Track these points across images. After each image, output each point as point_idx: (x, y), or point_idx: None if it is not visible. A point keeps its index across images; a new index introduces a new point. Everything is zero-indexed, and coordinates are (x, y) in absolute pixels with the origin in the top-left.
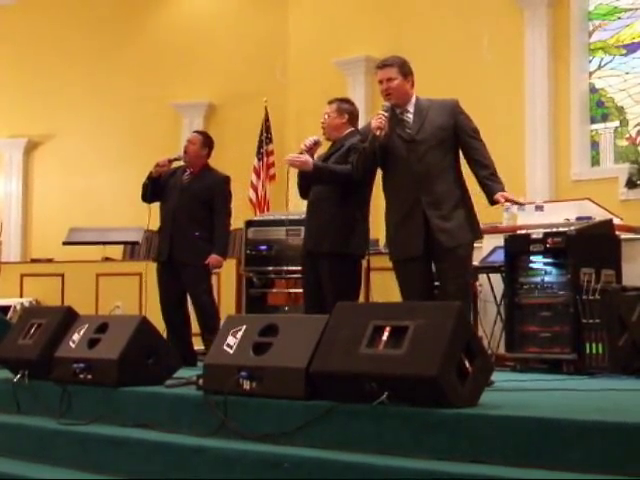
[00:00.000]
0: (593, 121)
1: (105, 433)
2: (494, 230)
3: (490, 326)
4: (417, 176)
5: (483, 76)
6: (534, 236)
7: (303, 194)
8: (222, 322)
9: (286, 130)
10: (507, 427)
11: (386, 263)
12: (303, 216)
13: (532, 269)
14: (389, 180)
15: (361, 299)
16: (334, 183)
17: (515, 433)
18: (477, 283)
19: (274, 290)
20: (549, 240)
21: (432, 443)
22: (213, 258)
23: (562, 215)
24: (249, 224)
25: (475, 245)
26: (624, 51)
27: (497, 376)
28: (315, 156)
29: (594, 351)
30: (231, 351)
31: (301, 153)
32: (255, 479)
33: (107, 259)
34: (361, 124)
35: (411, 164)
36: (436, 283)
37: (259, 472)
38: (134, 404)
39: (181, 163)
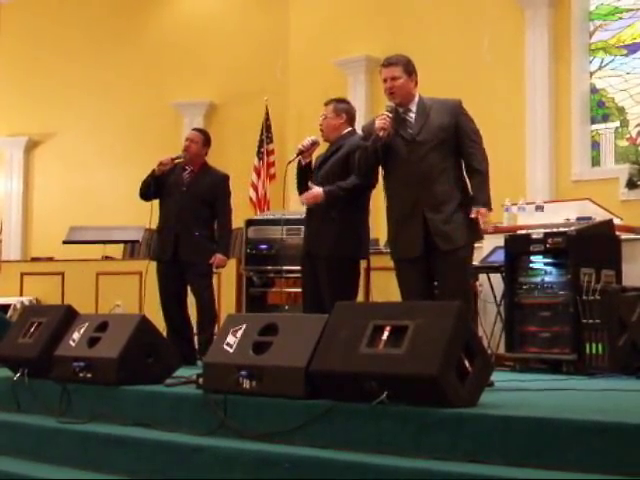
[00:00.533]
0: (594, 121)
1: (105, 432)
2: (494, 230)
3: (490, 326)
4: (417, 177)
5: (484, 76)
6: (534, 236)
7: (302, 194)
8: (222, 321)
9: (286, 129)
10: (507, 427)
11: (386, 263)
12: (303, 215)
13: (532, 269)
14: (390, 180)
15: (361, 299)
16: (350, 197)
17: (515, 433)
18: (477, 283)
19: (274, 289)
20: (549, 240)
21: (432, 443)
22: (218, 258)
23: (562, 215)
24: (249, 223)
25: (475, 245)
26: (625, 51)
27: (497, 376)
28: (314, 156)
29: (594, 351)
30: (231, 350)
31: (299, 154)
32: (255, 478)
33: (107, 258)
34: (360, 124)
35: (412, 165)
36: (435, 283)
37: (259, 471)
38: (134, 403)
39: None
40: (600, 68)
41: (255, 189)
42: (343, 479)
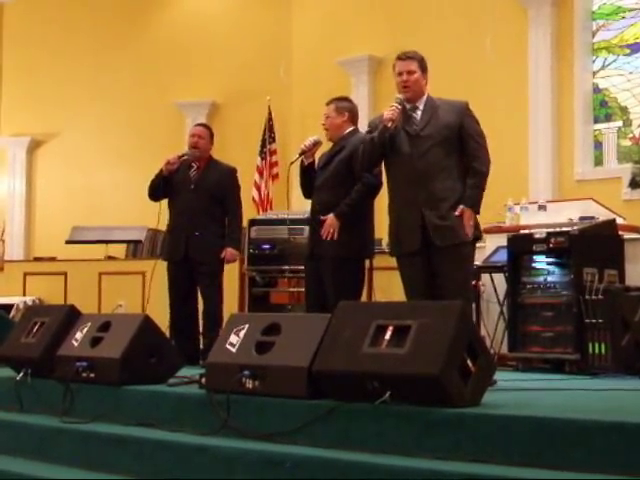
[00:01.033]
0: (596, 121)
1: (107, 432)
2: (497, 230)
3: (493, 326)
4: (418, 172)
5: (486, 75)
6: (537, 236)
7: (306, 193)
8: (225, 321)
9: (289, 129)
10: (509, 427)
11: (389, 262)
12: (306, 215)
13: (535, 269)
14: (391, 174)
15: (364, 298)
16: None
17: (517, 433)
18: (480, 283)
19: (277, 289)
20: (552, 240)
21: (434, 442)
22: (229, 252)
23: (565, 215)
24: (252, 223)
25: (478, 245)
26: (628, 51)
27: (499, 376)
28: (316, 155)
29: (597, 351)
30: (234, 350)
31: (301, 154)
32: (257, 478)
33: (110, 258)
34: (363, 123)
35: (413, 160)
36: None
37: (261, 471)
38: (137, 403)
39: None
40: (603, 67)
41: (258, 189)
42: (346, 479)
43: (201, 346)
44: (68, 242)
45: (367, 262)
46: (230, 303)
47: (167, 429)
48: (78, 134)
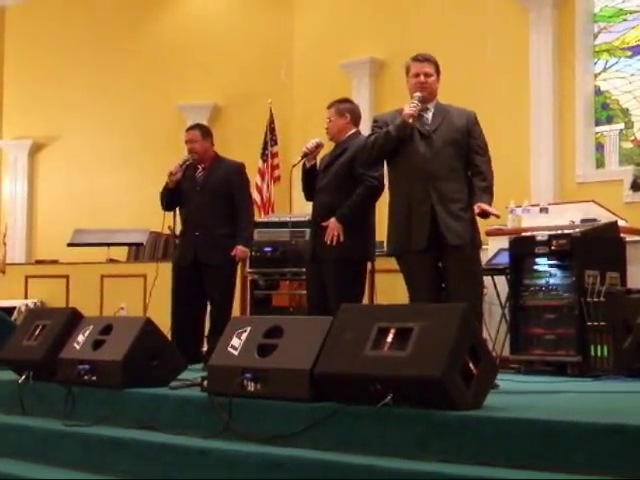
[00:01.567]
0: (598, 123)
1: (109, 434)
2: (499, 232)
3: (495, 328)
4: (430, 171)
5: (488, 78)
6: (539, 238)
7: (308, 196)
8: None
9: (291, 132)
10: (512, 429)
11: (391, 265)
12: (308, 218)
13: (537, 271)
14: (399, 171)
15: (366, 301)
16: (362, 206)
17: (519, 435)
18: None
19: (279, 292)
20: (554, 242)
21: (437, 445)
22: (239, 249)
23: (567, 217)
24: (254, 225)
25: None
26: (629, 53)
27: (502, 378)
28: (318, 158)
29: (599, 353)
30: (236, 353)
31: (303, 157)
32: None
33: (112, 260)
34: (364, 126)
35: (427, 159)
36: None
37: (263, 474)
38: (138, 406)
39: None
40: (604, 70)
41: (259, 191)
42: None
43: (204, 348)
44: (70, 245)
45: (368, 264)
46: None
47: (169, 432)
48: (80, 137)
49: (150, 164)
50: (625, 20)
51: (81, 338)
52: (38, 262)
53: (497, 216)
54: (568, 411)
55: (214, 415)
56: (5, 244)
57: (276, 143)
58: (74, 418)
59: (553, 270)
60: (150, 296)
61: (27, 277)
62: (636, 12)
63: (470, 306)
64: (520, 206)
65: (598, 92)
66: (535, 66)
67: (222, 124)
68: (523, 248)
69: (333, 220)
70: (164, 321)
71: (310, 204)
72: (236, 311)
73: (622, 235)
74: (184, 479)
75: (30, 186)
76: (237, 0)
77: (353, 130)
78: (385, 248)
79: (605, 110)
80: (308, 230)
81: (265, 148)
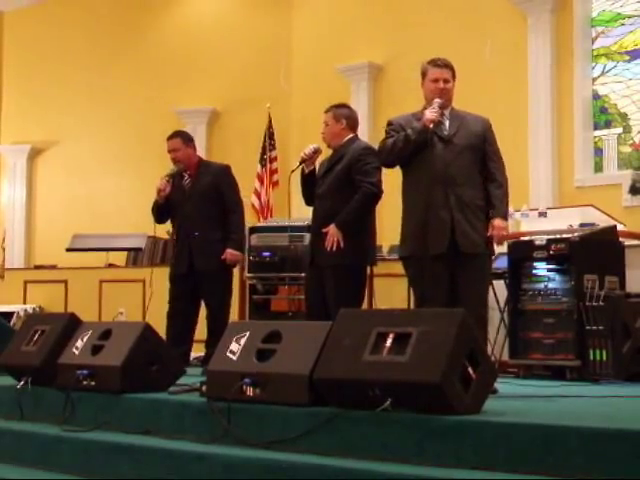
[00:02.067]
0: (596, 127)
1: (108, 440)
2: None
3: (494, 332)
4: (449, 176)
5: (486, 82)
6: (537, 242)
7: (307, 202)
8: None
9: (289, 136)
10: (510, 434)
11: (390, 269)
12: (306, 222)
13: (535, 275)
14: (416, 175)
15: (364, 306)
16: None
17: (518, 440)
18: None
19: (277, 296)
20: (552, 246)
21: (436, 450)
22: (228, 253)
23: (565, 221)
24: (252, 230)
25: None
26: (627, 57)
27: (500, 383)
28: (317, 163)
29: (598, 358)
30: (234, 358)
31: (301, 163)
32: None
33: (110, 265)
34: (362, 130)
35: (446, 163)
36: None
37: (262, 479)
38: (137, 411)
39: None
40: (602, 74)
41: (258, 196)
42: None
43: (202, 354)
44: (68, 250)
45: (368, 270)
46: (231, 311)
47: (168, 437)
48: (78, 142)
49: (149, 169)
50: (623, 24)
51: (80, 343)
52: (37, 267)
53: (499, 243)
54: (567, 416)
55: (213, 420)
56: (4, 249)
57: (275, 148)
58: (73, 423)
59: (552, 274)
60: (150, 300)
61: (26, 282)
62: (634, 16)
63: (479, 313)
64: (519, 210)
65: (596, 96)
66: (533, 70)
67: (221, 129)
68: (522, 252)
69: (333, 226)
70: (163, 326)
71: (309, 209)
72: (235, 316)
73: (621, 239)
74: None
75: (29, 191)
76: (235, 5)
77: (350, 135)
78: (384, 253)
79: (603, 114)
80: (307, 235)
81: (264, 153)
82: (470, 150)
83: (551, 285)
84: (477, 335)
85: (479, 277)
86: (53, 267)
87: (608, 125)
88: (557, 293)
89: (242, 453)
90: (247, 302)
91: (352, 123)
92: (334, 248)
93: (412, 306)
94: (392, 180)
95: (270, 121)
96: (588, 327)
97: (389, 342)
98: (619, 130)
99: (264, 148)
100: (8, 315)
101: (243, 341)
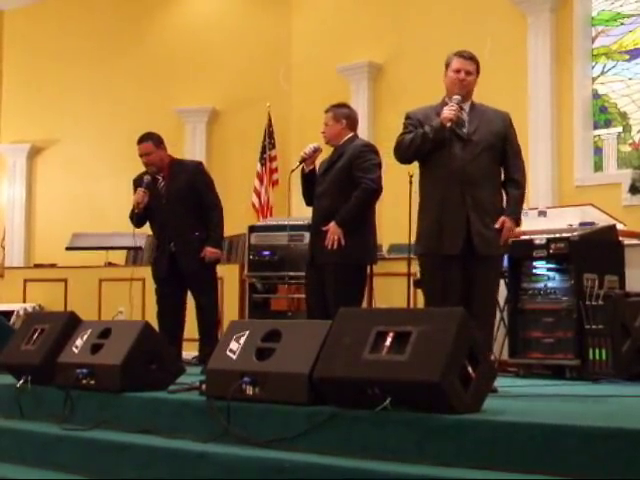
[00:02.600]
0: (596, 127)
1: (108, 439)
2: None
3: (493, 332)
4: (467, 176)
5: (485, 81)
6: (537, 242)
7: (308, 201)
8: (225, 327)
9: (289, 135)
10: (510, 433)
11: (390, 269)
12: (306, 222)
13: (535, 275)
14: (434, 174)
15: (364, 304)
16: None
17: (518, 439)
18: None
19: (277, 295)
20: (552, 246)
21: (435, 449)
22: (208, 251)
23: (565, 221)
24: (252, 229)
25: None
26: (627, 57)
27: (500, 382)
28: (317, 162)
29: (597, 357)
30: (234, 357)
31: (301, 162)
32: None
33: (110, 264)
34: (362, 129)
35: (464, 163)
36: None
37: (262, 477)
38: (137, 410)
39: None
40: (602, 74)
41: (258, 195)
42: None
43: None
44: (68, 249)
45: (368, 268)
46: (230, 309)
47: (167, 436)
48: (78, 141)
49: None
50: (622, 24)
51: (79, 342)
52: (36, 266)
53: (502, 247)
54: (566, 415)
55: (212, 419)
56: (3, 248)
57: (274, 147)
58: (73, 422)
59: (551, 273)
60: (149, 299)
61: (25, 281)
62: (633, 16)
63: (489, 314)
64: None
65: (596, 95)
66: (533, 70)
67: (220, 128)
68: (521, 251)
69: (333, 224)
70: None
71: (309, 208)
72: (234, 315)
73: (620, 238)
74: None
75: (28, 190)
76: (236, 4)
77: (350, 134)
78: (384, 252)
79: (603, 113)
80: (306, 234)
81: (263, 152)
82: (489, 150)
83: (551, 284)
84: (477, 334)
85: (492, 278)
86: (53, 266)
87: (608, 124)
88: (557, 292)
89: (241, 452)
90: (247, 301)
91: (352, 123)
92: (335, 246)
93: (413, 305)
94: (392, 179)
95: (270, 120)
96: (588, 326)
97: (389, 341)
98: (619, 129)
99: (264, 147)
100: (8, 314)
101: (243, 340)
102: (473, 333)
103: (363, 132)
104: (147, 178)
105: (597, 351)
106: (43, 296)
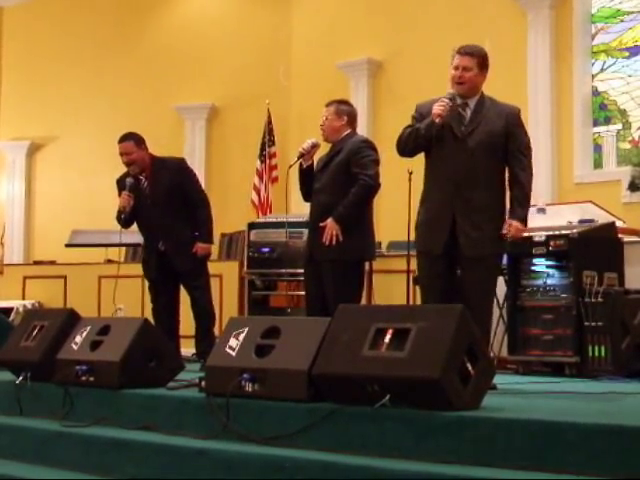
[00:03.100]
0: (596, 124)
1: (107, 435)
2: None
3: (492, 329)
4: (459, 178)
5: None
6: (537, 239)
7: (305, 196)
8: (224, 324)
9: (289, 132)
10: (509, 430)
11: (389, 265)
12: (305, 218)
13: (534, 272)
14: (432, 171)
15: (363, 301)
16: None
17: (517, 436)
18: None
19: (276, 292)
20: (551, 243)
21: (434, 446)
22: (199, 247)
23: (565, 218)
24: (251, 226)
25: None
26: (627, 54)
27: (499, 379)
28: (315, 158)
29: (597, 354)
30: (233, 353)
31: (300, 157)
32: None
33: (109, 261)
34: (362, 126)
35: (457, 164)
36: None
37: (261, 474)
38: (136, 406)
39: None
40: (602, 71)
41: (257, 192)
42: None
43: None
44: (68, 245)
45: (367, 264)
46: (230, 306)
47: (167, 433)
48: (77, 138)
49: None
50: (622, 21)
51: (79, 339)
52: (36, 263)
53: (498, 246)
54: (566, 412)
55: (212, 416)
56: (3, 245)
57: (274, 144)
58: (72, 419)
59: (551, 271)
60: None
61: (25, 278)
62: (633, 13)
63: (481, 315)
64: None
65: (596, 93)
66: (533, 67)
67: (220, 125)
68: (521, 249)
69: (330, 220)
70: None
71: (308, 205)
72: (234, 311)
73: (620, 236)
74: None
75: (28, 187)
76: (235, 1)
77: (348, 131)
78: (383, 249)
79: (603, 111)
80: (305, 231)
81: (263, 149)
82: (486, 150)
83: (550, 281)
84: (476, 331)
85: (481, 280)
86: (52, 263)
87: (607, 121)
88: (556, 289)
89: (241, 448)
90: (246, 298)
91: (352, 120)
92: (333, 242)
93: (412, 302)
94: (391, 176)
95: (269, 117)
96: (587, 323)
97: (388, 338)
98: (618, 126)
99: (263, 144)
100: (7, 311)
101: (242, 337)
102: (472, 330)
103: (362, 129)
104: (129, 180)
105: (596, 348)
106: (42, 293)
